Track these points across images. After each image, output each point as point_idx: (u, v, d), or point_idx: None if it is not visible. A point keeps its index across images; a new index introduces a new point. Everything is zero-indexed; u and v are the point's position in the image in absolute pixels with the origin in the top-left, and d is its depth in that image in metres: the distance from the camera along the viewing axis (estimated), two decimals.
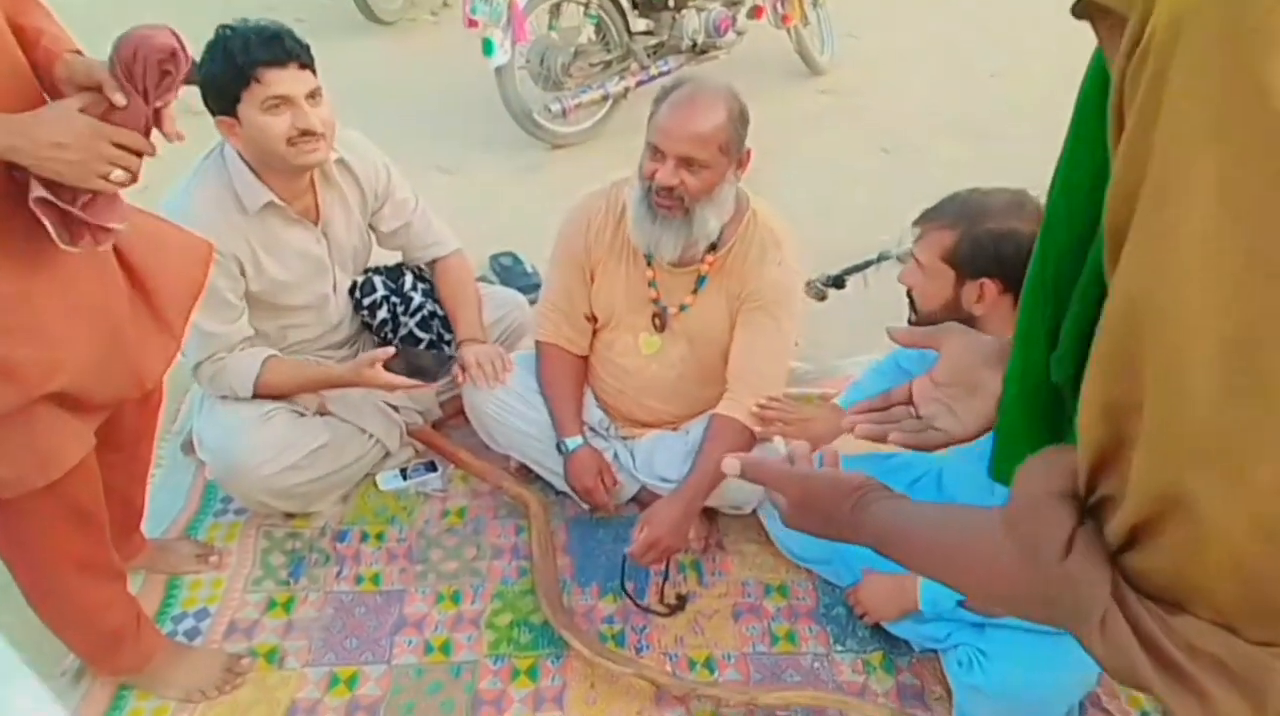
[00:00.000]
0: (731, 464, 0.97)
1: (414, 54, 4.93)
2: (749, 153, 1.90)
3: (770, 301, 1.99)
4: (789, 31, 4.69)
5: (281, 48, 1.83)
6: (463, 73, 4.55)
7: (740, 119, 1.84)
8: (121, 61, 1.25)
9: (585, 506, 2.16)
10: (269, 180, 1.97)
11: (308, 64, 1.87)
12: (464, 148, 4.01)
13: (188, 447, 2.24)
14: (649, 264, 2.03)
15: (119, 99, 1.26)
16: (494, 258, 3.19)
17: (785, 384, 2.12)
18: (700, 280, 2.02)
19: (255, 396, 2.04)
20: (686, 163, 1.81)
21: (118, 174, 1.27)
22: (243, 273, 2.00)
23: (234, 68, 1.81)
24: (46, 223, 1.26)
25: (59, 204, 1.25)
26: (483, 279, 3.01)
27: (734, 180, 1.91)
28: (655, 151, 1.84)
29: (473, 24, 3.76)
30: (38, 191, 1.24)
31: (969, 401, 0.99)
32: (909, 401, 1.05)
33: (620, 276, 2.06)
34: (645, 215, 1.89)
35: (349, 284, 2.26)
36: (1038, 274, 0.80)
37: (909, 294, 1.72)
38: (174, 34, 1.28)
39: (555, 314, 2.16)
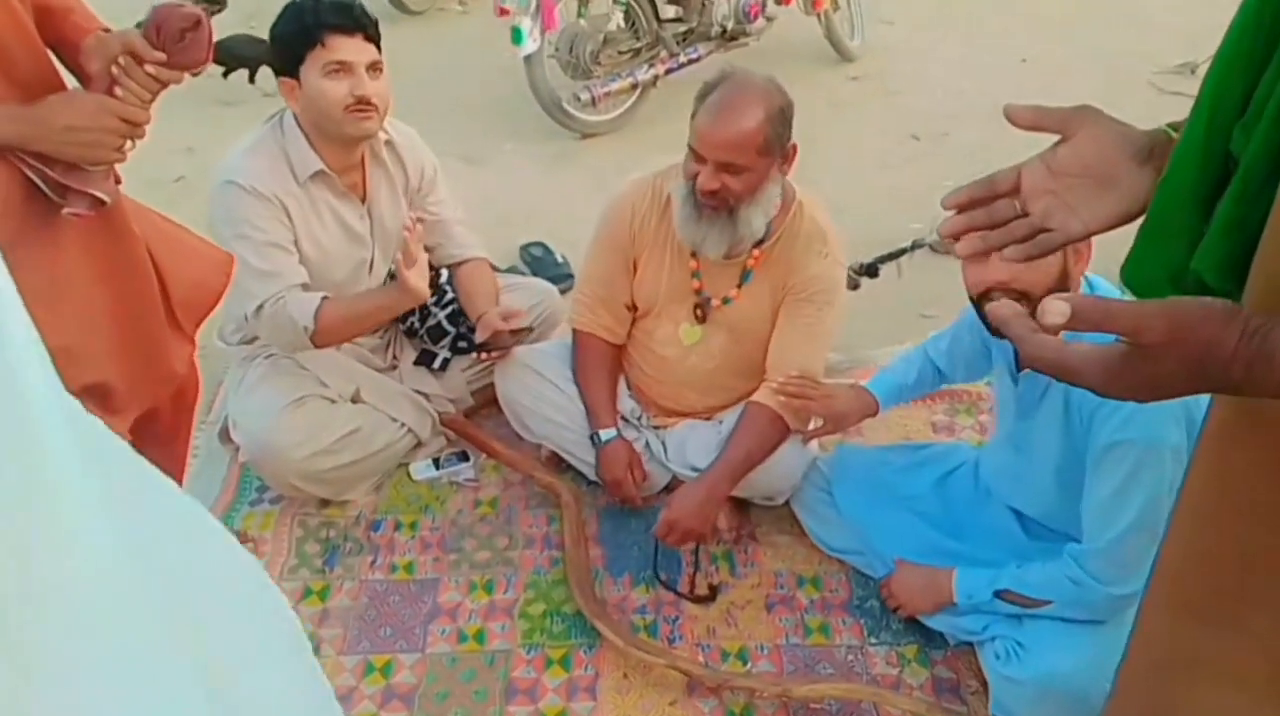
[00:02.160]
0: (1059, 308, 0.72)
1: (442, 44, 4.93)
2: (794, 148, 1.88)
3: (815, 293, 1.98)
4: (819, 17, 4.64)
5: (350, 16, 1.92)
6: (491, 63, 4.54)
7: (780, 116, 1.82)
8: (152, 24, 1.35)
9: (615, 498, 2.15)
10: (322, 149, 2.03)
11: (373, 37, 1.96)
12: (493, 137, 4.00)
13: (224, 435, 2.26)
14: (693, 255, 2.01)
15: (156, 55, 1.35)
16: (524, 247, 3.19)
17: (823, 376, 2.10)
18: (745, 274, 2.01)
19: (313, 340, 2.03)
20: (726, 167, 1.80)
21: (129, 145, 1.38)
22: (295, 236, 2.04)
23: (303, 28, 1.90)
24: (40, 183, 1.34)
25: (50, 173, 1.33)
26: (513, 269, 3.02)
27: (779, 177, 1.89)
28: (695, 155, 1.83)
29: (503, 12, 3.76)
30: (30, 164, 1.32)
31: (1099, 196, 0.87)
32: (1015, 191, 0.92)
33: (664, 266, 2.05)
34: (691, 214, 1.88)
35: (385, 269, 2.27)
36: (1249, 21, 0.72)
37: (1004, 290, 1.52)
38: (200, 10, 1.37)
39: (594, 301, 2.15)
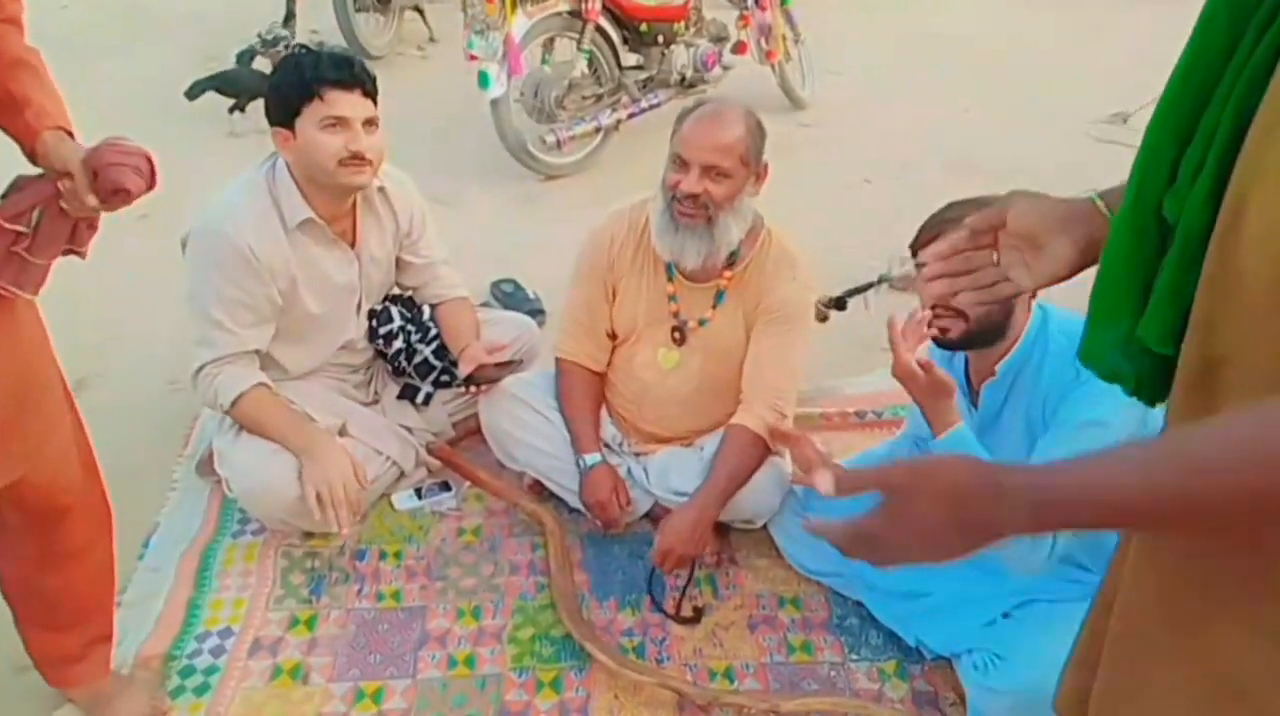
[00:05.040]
0: (825, 481, 0.79)
1: (404, 88, 4.97)
2: (766, 166, 2.00)
3: (785, 316, 2.07)
4: (772, 67, 4.82)
5: (350, 71, 1.96)
6: (453, 107, 4.62)
7: (759, 133, 1.96)
8: (91, 167, 1.30)
9: (599, 523, 2.20)
10: (312, 198, 2.06)
11: (371, 93, 1.99)
12: (459, 179, 4.06)
13: (203, 468, 2.25)
14: (669, 279, 2.10)
15: (90, 200, 1.31)
16: (495, 284, 3.25)
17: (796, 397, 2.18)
18: (719, 295, 2.09)
19: (227, 414, 2.08)
20: (709, 171, 1.91)
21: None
22: (277, 290, 2.07)
23: (301, 82, 1.94)
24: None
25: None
26: (485, 305, 3.06)
27: (753, 192, 2.00)
28: (679, 162, 1.93)
29: (472, 58, 3.85)
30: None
31: (1036, 259, 0.99)
32: (994, 243, 1.02)
33: (641, 291, 2.13)
34: (668, 225, 1.98)
35: (370, 309, 2.31)
36: (1174, 94, 0.77)
37: (944, 309, 1.62)
38: (150, 164, 1.35)
39: (576, 330, 2.21)
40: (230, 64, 4.56)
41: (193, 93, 4.23)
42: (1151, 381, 0.83)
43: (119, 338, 2.89)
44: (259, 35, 4.63)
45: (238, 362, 2.07)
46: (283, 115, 1.99)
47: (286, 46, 4.56)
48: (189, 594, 2.02)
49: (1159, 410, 0.88)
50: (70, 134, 1.35)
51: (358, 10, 5.10)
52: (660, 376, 2.17)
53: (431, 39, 5.57)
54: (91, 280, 3.18)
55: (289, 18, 4.77)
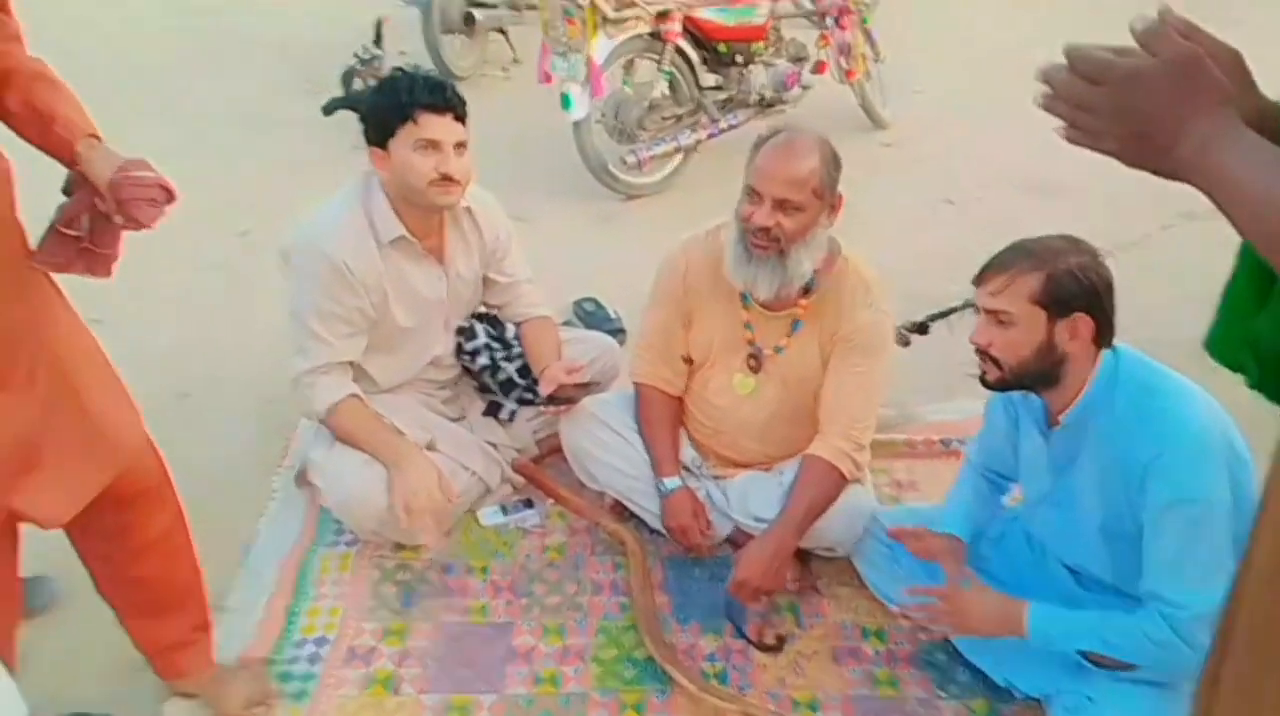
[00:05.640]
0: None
1: (487, 108, 5.06)
2: (841, 198, 2.00)
3: (863, 343, 2.07)
4: (852, 86, 4.81)
5: (443, 96, 2.02)
6: (535, 126, 4.70)
7: (833, 164, 1.96)
8: (113, 195, 1.42)
9: (680, 546, 2.21)
10: (404, 215, 2.13)
11: (462, 117, 2.06)
12: (539, 198, 4.13)
13: (300, 479, 2.33)
14: (745, 306, 2.12)
15: (117, 219, 1.45)
16: (577, 302, 3.29)
17: (875, 427, 2.17)
18: (795, 323, 2.10)
19: (322, 421, 2.17)
20: (782, 204, 1.92)
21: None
22: (369, 303, 2.14)
23: (397, 105, 2.00)
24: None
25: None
26: (566, 324, 3.11)
27: (827, 224, 2.00)
28: (753, 194, 1.95)
29: (547, 78, 3.93)
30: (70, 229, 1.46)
31: None
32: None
33: (717, 318, 2.15)
34: (742, 255, 1.99)
35: (457, 324, 2.37)
36: None
37: (984, 353, 1.67)
38: (167, 191, 1.46)
39: (652, 354, 2.24)
40: (321, 82, 4.72)
41: (328, 109, 4.41)
42: (1275, 378, 0.82)
43: (221, 350, 3.00)
44: (356, 56, 4.77)
45: (333, 372, 2.15)
46: (379, 136, 2.07)
47: (380, 65, 4.70)
48: (287, 601, 2.09)
49: (1251, 480, 0.86)
50: (98, 137, 1.47)
51: (444, 32, 5.22)
52: (736, 403, 2.18)
53: (515, 60, 5.68)
54: (194, 293, 3.34)
55: (378, 39, 4.91)
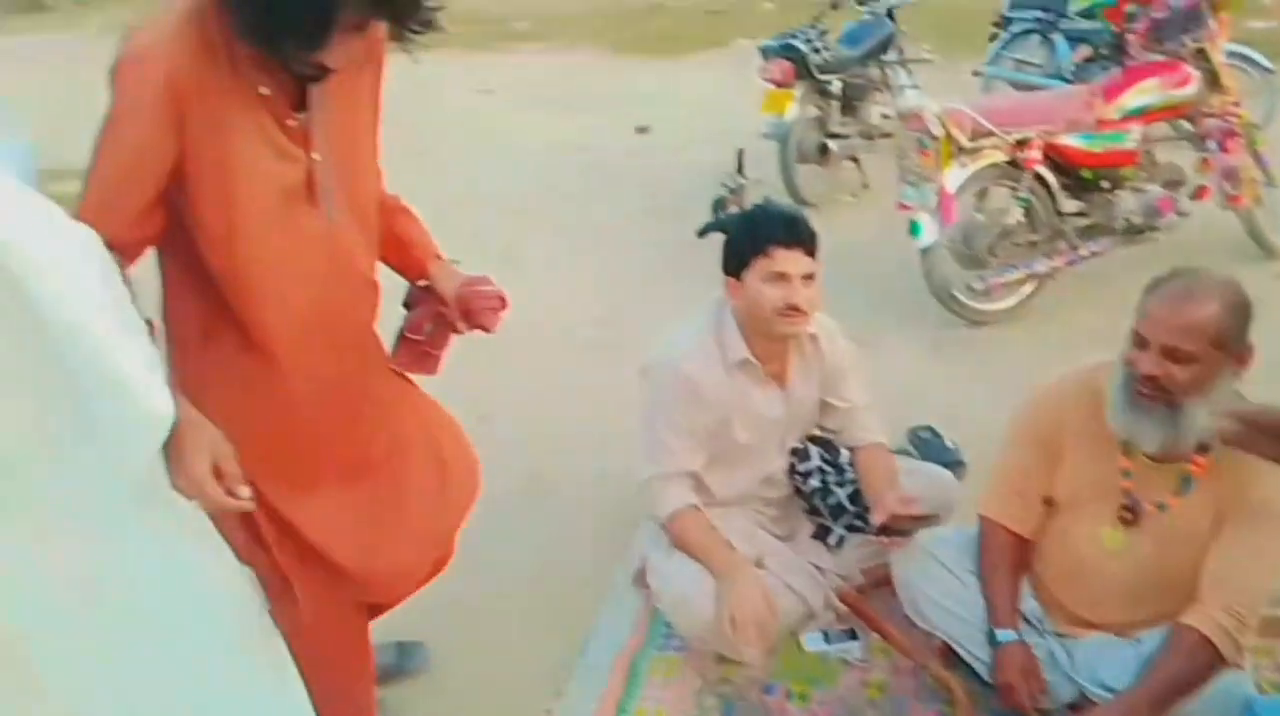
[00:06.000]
0: None
1: (834, 231, 5.19)
2: (1250, 348, 1.82)
3: (1273, 513, 1.84)
4: (1239, 213, 4.38)
5: (795, 232, 2.18)
6: (880, 249, 4.76)
7: (1239, 312, 1.79)
8: (459, 304, 1.77)
9: (1007, 704, 2.07)
10: (751, 340, 2.28)
11: (812, 251, 2.19)
12: (882, 321, 4.15)
13: (638, 578, 2.49)
14: (1126, 454, 1.97)
15: (460, 325, 1.80)
16: (912, 430, 3.24)
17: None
18: (1186, 481, 1.92)
19: (662, 527, 2.30)
20: (1171, 353, 1.78)
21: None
22: (714, 419, 2.29)
23: (752, 239, 2.19)
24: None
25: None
26: (901, 451, 3.07)
27: (1231, 378, 1.83)
28: (1139, 338, 1.83)
29: (904, 208, 3.98)
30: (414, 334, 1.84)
31: None
32: None
33: (1090, 461, 2.02)
34: (1125, 402, 1.87)
35: (793, 445, 2.45)
36: None
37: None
38: (503, 301, 1.79)
39: (1006, 490, 2.16)
40: (678, 209, 5.13)
41: (702, 232, 4.82)
42: None
43: (576, 449, 3.31)
44: (724, 184, 5.16)
45: (676, 481, 2.31)
46: (733, 266, 2.25)
47: (744, 193, 5.05)
48: (619, 696, 2.22)
49: None
50: (441, 258, 1.84)
51: (799, 162, 5.48)
52: (1100, 557, 2.02)
53: (865, 185, 5.81)
54: (559, 394, 3.73)
55: (739, 168, 5.25)
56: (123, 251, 1.39)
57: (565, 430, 3.46)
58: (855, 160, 5.82)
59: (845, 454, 2.51)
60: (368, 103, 1.66)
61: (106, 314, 1.10)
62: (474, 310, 1.78)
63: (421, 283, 1.86)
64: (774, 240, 2.17)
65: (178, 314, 1.59)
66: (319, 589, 1.71)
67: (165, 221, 1.47)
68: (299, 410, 1.65)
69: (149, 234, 1.47)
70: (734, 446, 2.38)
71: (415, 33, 1.47)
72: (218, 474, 1.37)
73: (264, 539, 1.64)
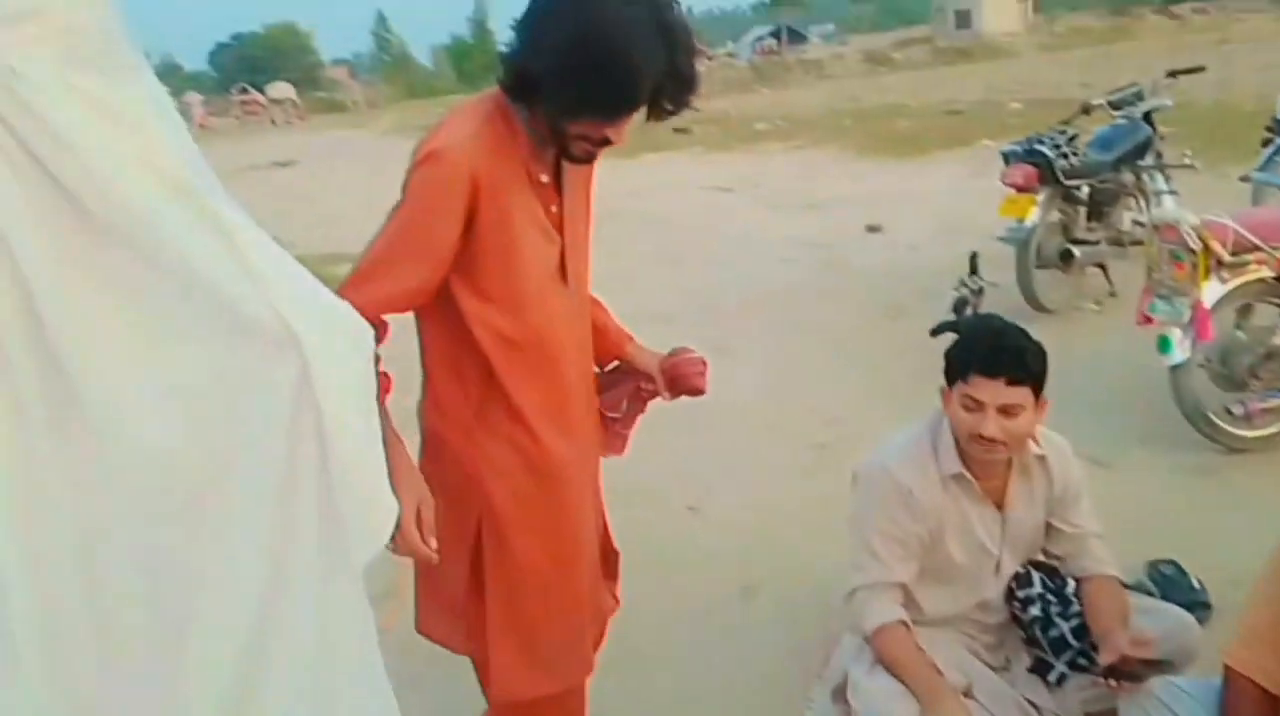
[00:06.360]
0: None
1: (1074, 342, 4.99)
2: None
3: None
4: None
5: (997, 362, 2.09)
6: (1126, 365, 4.48)
7: None
8: (665, 373, 1.95)
9: None
10: (965, 454, 2.21)
11: (1019, 382, 2.08)
12: (1123, 442, 3.89)
13: (836, 694, 2.44)
14: None
15: (665, 396, 1.99)
16: (1152, 564, 3.01)
17: None
18: None
19: (866, 641, 2.22)
20: None
21: None
22: (926, 530, 2.23)
23: (957, 359, 2.16)
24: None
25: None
26: (1138, 586, 2.85)
27: None
28: None
29: (1147, 320, 3.75)
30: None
31: None
32: None
33: None
34: None
35: (1011, 572, 2.34)
36: None
37: None
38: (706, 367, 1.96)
39: (1258, 640, 1.94)
40: (904, 310, 5.08)
41: (936, 332, 4.79)
42: None
43: (786, 550, 3.31)
44: (961, 285, 5.06)
45: (884, 593, 2.25)
46: (947, 377, 2.21)
47: (982, 296, 4.97)
48: None
49: None
50: (633, 339, 2.02)
51: (1039, 267, 5.29)
52: None
53: (1111, 293, 5.51)
54: (768, 495, 3.76)
55: (974, 270, 5.13)
56: (383, 330, 1.62)
57: (777, 529, 3.47)
58: (1102, 267, 5.55)
59: (1072, 583, 2.37)
60: (588, 193, 1.90)
61: (370, 411, 1.19)
62: (683, 376, 1.94)
63: (612, 365, 2.03)
64: (973, 366, 2.11)
65: (449, 396, 1.81)
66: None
67: (428, 301, 1.72)
68: (558, 485, 1.84)
69: (406, 309, 1.73)
70: (947, 563, 2.30)
71: (671, 114, 1.67)
72: (418, 519, 1.55)
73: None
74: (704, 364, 1.96)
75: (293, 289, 1.07)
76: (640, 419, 2.06)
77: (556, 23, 1.55)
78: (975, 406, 2.11)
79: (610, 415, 2.01)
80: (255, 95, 39.50)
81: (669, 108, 1.64)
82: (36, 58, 0.90)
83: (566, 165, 1.76)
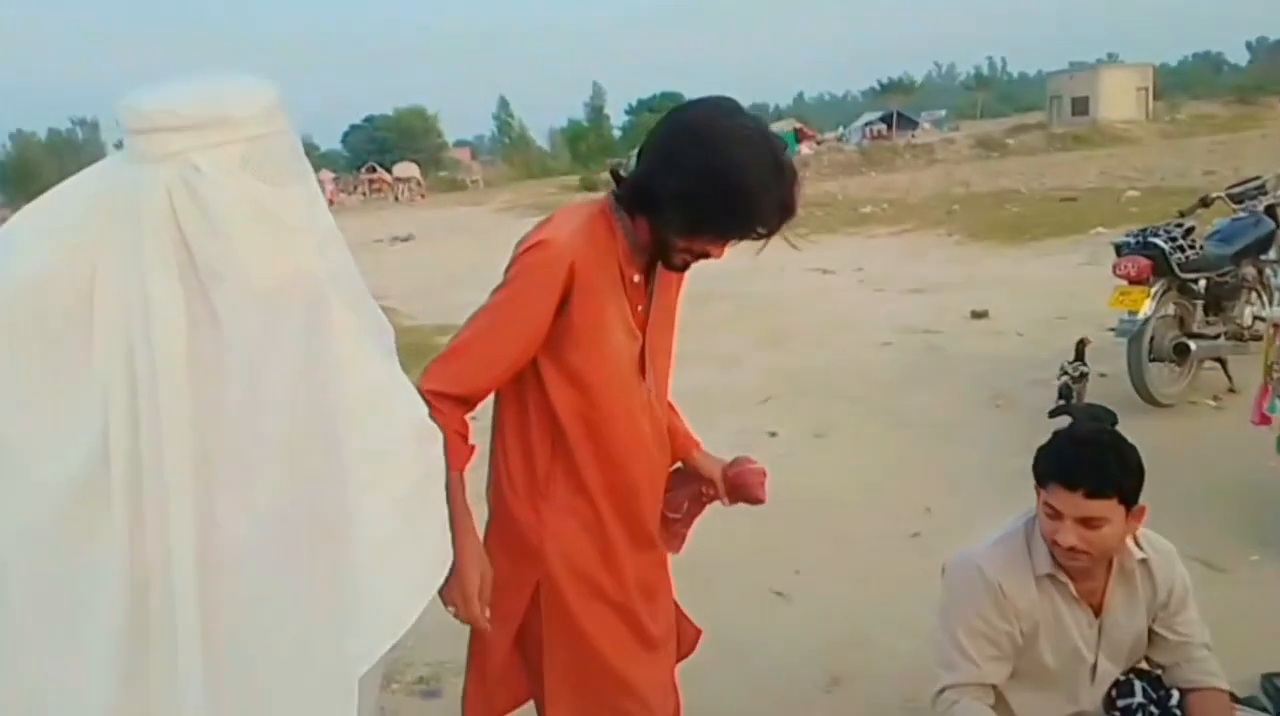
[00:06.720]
0: None
1: (1189, 439, 4.79)
2: None
3: None
4: None
5: (1075, 475, 2.01)
6: (1242, 462, 4.28)
7: None
8: (727, 481, 2.04)
9: None
10: (1059, 557, 2.14)
11: (1100, 495, 1.99)
12: (1239, 546, 3.69)
13: None
14: None
15: (725, 501, 2.07)
16: (1267, 677, 2.83)
17: None
18: None
19: None
20: None
21: None
22: (1019, 630, 2.17)
23: (1042, 463, 2.10)
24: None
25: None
26: (1251, 700, 2.69)
27: None
28: None
29: (1264, 420, 3.59)
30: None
31: None
32: None
33: None
34: None
35: (1111, 678, 2.26)
36: None
37: None
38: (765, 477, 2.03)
39: None
40: (1007, 397, 4.97)
41: (1053, 413, 4.70)
42: None
43: (874, 641, 3.24)
44: (1064, 370, 4.93)
45: (973, 693, 2.19)
46: (1035, 478, 2.13)
47: (1085, 378, 4.85)
48: None
49: None
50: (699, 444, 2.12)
51: (1153, 360, 5.12)
52: None
53: (1231, 389, 5.28)
54: (861, 586, 3.68)
55: (1079, 357, 4.98)
56: (473, 405, 1.78)
57: (865, 620, 3.39)
58: (1221, 362, 5.34)
59: (1176, 695, 2.26)
60: (676, 298, 2.01)
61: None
62: (745, 485, 2.01)
63: (677, 466, 2.11)
64: (1053, 476, 2.05)
65: (518, 469, 1.92)
66: None
67: (512, 380, 1.85)
68: (617, 566, 1.92)
69: (494, 388, 1.84)
70: (1039, 666, 2.23)
71: (766, 238, 1.80)
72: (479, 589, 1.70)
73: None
74: (764, 474, 2.04)
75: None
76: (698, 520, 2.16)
77: (690, 153, 1.69)
78: (1055, 514, 2.05)
79: (671, 515, 2.10)
80: (382, 174, 41.71)
81: (765, 232, 1.77)
82: (220, 159, 1.05)
83: (660, 271, 1.90)
